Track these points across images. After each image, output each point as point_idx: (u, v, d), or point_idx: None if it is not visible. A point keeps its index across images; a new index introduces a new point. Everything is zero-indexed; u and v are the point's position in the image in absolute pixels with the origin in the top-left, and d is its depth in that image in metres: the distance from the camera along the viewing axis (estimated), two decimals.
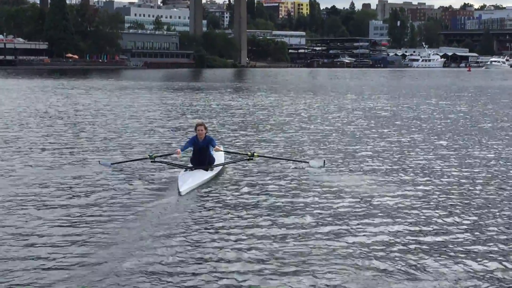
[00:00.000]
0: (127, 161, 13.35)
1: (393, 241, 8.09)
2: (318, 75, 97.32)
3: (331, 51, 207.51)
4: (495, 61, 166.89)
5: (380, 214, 9.33)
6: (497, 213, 9.50)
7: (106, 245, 7.73)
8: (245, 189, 10.98)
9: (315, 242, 7.96)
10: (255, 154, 12.76)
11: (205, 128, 11.94)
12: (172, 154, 12.72)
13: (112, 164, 12.93)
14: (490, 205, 9.99)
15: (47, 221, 8.81)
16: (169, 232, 8.32)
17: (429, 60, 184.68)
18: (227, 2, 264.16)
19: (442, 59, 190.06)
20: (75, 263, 7.13)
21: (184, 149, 12.09)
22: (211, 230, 8.46)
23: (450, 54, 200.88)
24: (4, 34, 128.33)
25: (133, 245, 7.73)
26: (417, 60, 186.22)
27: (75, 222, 8.83)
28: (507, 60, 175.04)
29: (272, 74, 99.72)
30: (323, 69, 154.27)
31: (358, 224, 8.79)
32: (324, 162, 13.05)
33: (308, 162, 13.15)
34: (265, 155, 13.93)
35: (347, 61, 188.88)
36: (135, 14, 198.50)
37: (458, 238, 8.24)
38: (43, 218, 8.96)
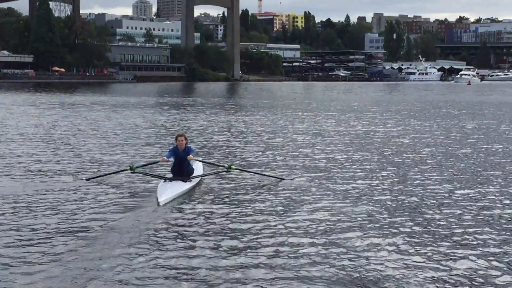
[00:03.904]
0: (106, 174, 13.18)
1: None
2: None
3: (326, 64, 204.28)
4: (464, 75, 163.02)
5: (356, 230, 9.15)
6: None
7: (83, 255, 7.73)
8: (222, 201, 11.12)
9: (291, 253, 7.96)
10: (232, 166, 13.01)
11: (186, 139, 12.39)
12: (154, 163, 13.46)
13: (88, 179, 12.88)
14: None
15: (22, 235, 8.74)
16: (146, 242, 8.38)
17: (426, 74, 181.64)
18: (221, 15, 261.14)
19: (439, 72, 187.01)
20: (51, 273, 7.09)
21: (168, 158, 12.29)
22: (189, 240, 8.54)
23: (447, 67, 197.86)
24: None
25: (111, 255, 7.75)
26: (414, 73, 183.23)
27: (52, 234, 8.73)
28: (477, 73, 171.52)
29: (266, 89, 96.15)
30: (319, 82, 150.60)
31: (334, 239, 8.66)
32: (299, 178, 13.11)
33: (283, 179, 13.10)
34: (242, 168, 13.90)
35: (342, 74, 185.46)
36: (127, 27, 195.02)
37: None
38: (18, 232, 8.90)
